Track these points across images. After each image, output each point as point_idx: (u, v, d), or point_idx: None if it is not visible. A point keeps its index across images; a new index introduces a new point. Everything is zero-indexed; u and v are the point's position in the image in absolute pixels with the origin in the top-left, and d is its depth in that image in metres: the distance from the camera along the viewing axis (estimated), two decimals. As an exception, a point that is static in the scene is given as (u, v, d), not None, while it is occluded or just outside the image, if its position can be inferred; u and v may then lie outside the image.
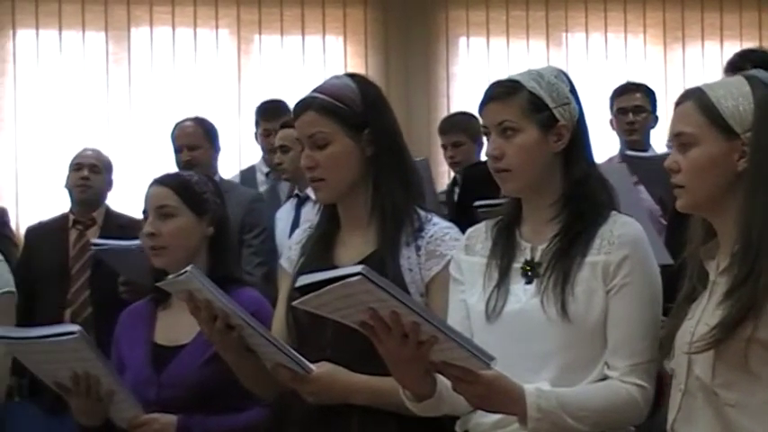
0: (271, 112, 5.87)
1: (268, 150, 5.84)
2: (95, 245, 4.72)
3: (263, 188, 5.80)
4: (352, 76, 2.78)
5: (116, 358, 3.05)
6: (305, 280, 2.21)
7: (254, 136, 6.08)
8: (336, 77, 2.77)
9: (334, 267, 2.55)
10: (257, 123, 5.97)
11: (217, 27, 7.52)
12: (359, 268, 2.12)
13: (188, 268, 2.55)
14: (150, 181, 3.12)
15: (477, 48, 7.83)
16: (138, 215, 3.25)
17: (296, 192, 5.13)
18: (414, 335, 2.18)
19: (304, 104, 2.69)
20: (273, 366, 2.56)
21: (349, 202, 2.70)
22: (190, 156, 5.29)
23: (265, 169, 5.90)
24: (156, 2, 7.43)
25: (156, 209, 3.01)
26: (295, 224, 4.93)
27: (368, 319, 2.18)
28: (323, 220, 2.77)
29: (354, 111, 2.66)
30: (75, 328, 2.74)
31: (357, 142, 2.66)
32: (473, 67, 7.75)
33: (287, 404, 2.69)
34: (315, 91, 2.70)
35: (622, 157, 5.18)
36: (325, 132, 2.65)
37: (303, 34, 7.62)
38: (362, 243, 2.68)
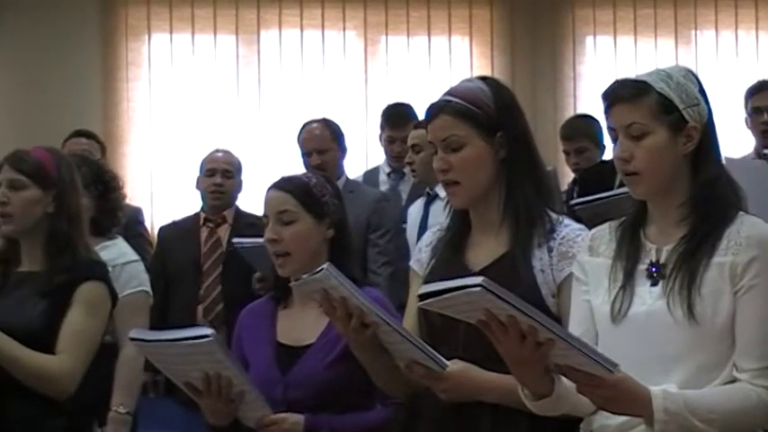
0: (396, 120, 5.90)
1: (393, 156, 5.89)
2: (237, 243, 4.79)
3: (384, 188, 5.86)
4: (483, 78, 2.77)
5: (238, 357, 3.05)
6: (427, 289, 2.25)
7: (377, 137, 6.15)
8: (468, 80, 2.77)
9: (466, 270, 2.60)
10: (382, 127, 6.03)
11: (344, 29, 7.60)
12: (479, 280, 2.14)
13: (324, 266, 2.54)
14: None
15: (605, 47, 7.78)
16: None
17: (426, 189, 5.16)
18: (531, 336, 2.19)
19: (437, 108, 2.69)
20: (407, 363, 2.57)
21: (481, 205, 2.70)
22: (320, 160, 5.34)
23: (387, 169, 5.96)
24: (284, 5, 7.54)
25: (276, 214, 3.01)
26: (423, 222, 4.97)
27: (485, 319, 2.20)
28: (453, 222, 2.76)
29: (488, 114, 2.65)
30: (209, 330, 2.74)
31: (491, 145, 2.65)
32: (600, 66, 7.70)
33: (419, 402, 2.70)
34: (447, 94, 2.70)
35: (758, 156, 5.09)
36: (460, 136, 2.64)
37: (429, 35, 7.66)
38: (494, 245, 2.67)
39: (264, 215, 3.06)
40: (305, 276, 2.60)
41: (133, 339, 2.85)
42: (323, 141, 5.41)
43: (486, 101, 2.66)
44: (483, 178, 2.66)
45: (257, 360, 3.04)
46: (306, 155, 5.44)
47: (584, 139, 5.75)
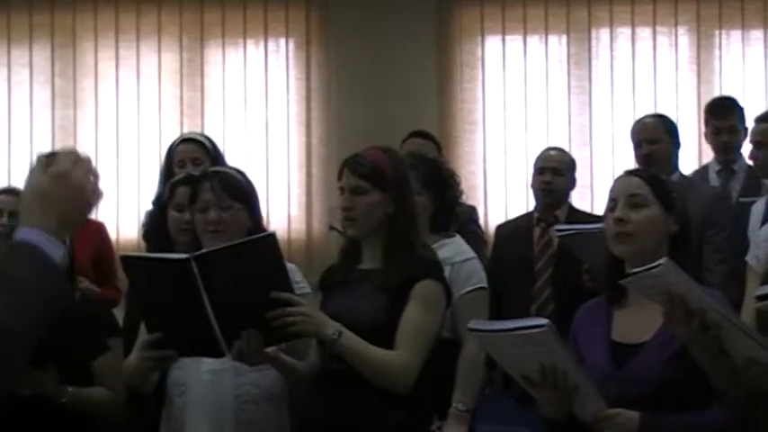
0: (720, 110, 5.80)
1: (720, 149, 5.78)
2: (559, 230, 4.84)
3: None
4: None
5: (574, 354, 3.03)
6: (764, 290, 2.23)
7: (703, 135, 6.03)
8: None
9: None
10: (707, 122, 5.92)
11: (676, 24, 7.47)
12: None
13: (662, 261, 2.52)
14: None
15: None
16: (601, 212, 3.28)
17: (768, 187, 5.05)
18: None
19: None
20: (746, 362, 2.53)
21: None
22: (649, 149, 5.32)
23: (717, 167, 5.82)
24: (615, 2, 7.50)
25: (627, 197, 3.04)
26: (765, 219, 4.85)
27: None
28: None
29: None
30: (544, 321, 2.75)
31: None
32: None
33: (757, 405, 2.66)
34: None
35: None
36: None
37: (766, 27, 7.42)
38: None
39: (612, 198, 3.08)
40: (637, 270, 2.58)
41: (471, 330, 2.91)
42: (654, 132, 5.38)
43: None
44: None
45: (592, 357, 3.04)
46: (637, 146, 5.42)
47: None
